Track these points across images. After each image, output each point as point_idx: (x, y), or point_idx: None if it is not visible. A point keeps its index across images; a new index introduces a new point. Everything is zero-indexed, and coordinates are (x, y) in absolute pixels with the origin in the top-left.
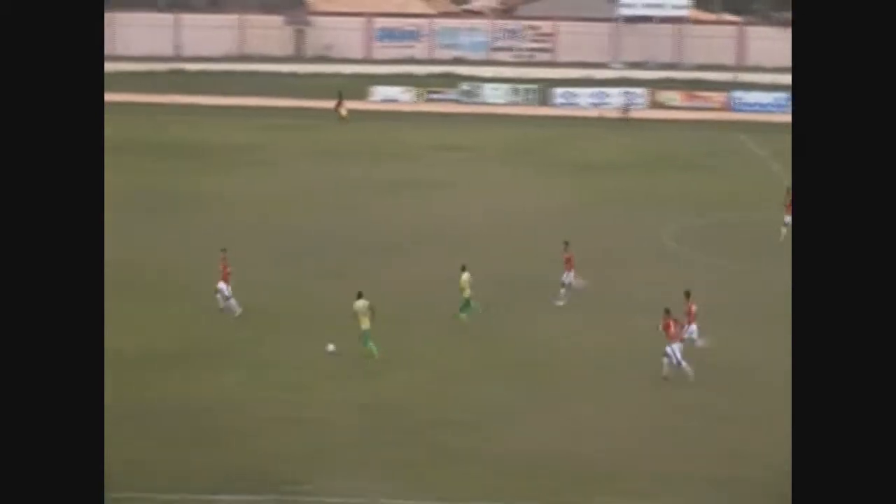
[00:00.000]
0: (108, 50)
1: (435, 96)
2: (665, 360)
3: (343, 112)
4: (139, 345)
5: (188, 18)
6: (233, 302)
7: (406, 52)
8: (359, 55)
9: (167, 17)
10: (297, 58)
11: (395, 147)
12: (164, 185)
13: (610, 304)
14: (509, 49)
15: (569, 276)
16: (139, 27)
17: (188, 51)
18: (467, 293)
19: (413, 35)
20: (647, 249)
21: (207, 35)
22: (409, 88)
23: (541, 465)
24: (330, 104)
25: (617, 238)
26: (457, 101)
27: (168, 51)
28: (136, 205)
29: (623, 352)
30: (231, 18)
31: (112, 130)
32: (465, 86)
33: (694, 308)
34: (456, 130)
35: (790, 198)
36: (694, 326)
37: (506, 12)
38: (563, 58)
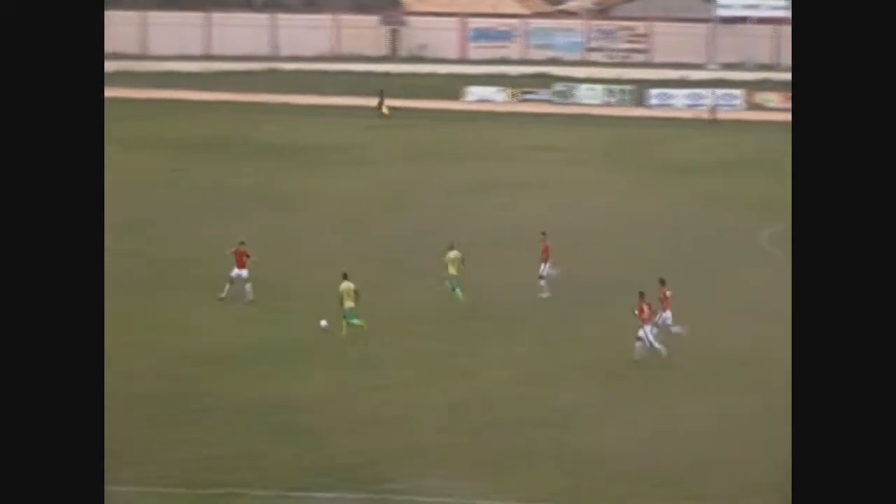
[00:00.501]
0: (205, 50)
1: (528, 97)
2: (637, 343)
3: (385, 110)
4: (233, 343)
5: (284, 18)
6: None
7: (500, 53)
8: (453, 55)
9: (263, 18)
10: (392, 57)
11: (489, 147)
12: (257, 183)
13: (704, 307)
14: (604, 50)
15: (545, 268)
16: (236, 27)
17: (284, 50)
18: (452, 271)
19: (507, 35)
20: (744, 252)
21: (303, 35)
22: (503, 89)
23: (621, 467)
24: (425, 104)
25: (712, 240)
26: (550, 102)
27: (264, 50)
28: (230, 202)
29: (713, 356)
30: (326, 18)
31: (208, 128)
32: (558, 86)
33: (668, 293)
34: (549, 131)
35: None
36: (668, 313)
37: (601, 13)
38: (658, 59)
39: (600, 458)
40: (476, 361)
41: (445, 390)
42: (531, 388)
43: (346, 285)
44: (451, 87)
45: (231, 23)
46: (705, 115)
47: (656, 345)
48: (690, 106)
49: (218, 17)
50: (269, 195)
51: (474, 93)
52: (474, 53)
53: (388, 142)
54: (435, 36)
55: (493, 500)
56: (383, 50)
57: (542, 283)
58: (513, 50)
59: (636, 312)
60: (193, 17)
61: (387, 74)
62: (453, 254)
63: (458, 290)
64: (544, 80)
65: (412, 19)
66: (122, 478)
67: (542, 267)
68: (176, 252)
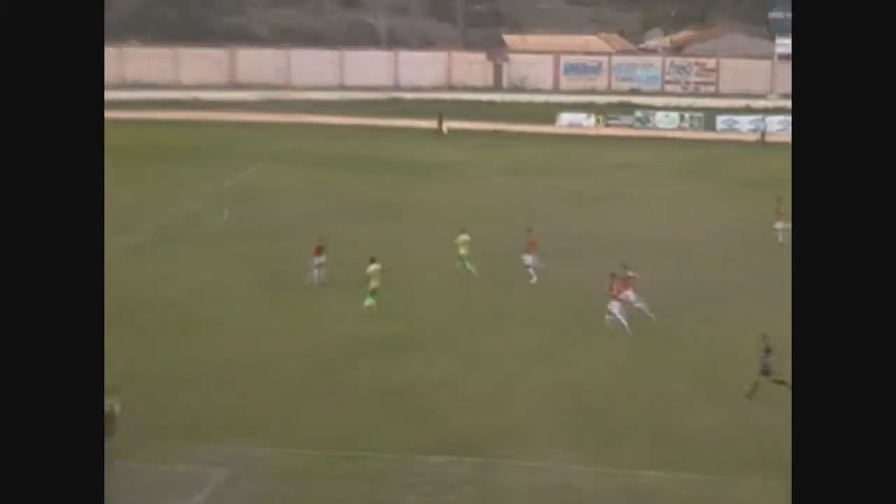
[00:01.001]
0: (339, 81)
1: (613, 122)
2: (607, 317)
3: (445, 130)
4: (368, 332)
5: (405, 55)
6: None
7: (589, 84)
8: (548, 86)
9: (388, 54)
10: (496, 88)
11: (579, 165)
12: (383, 194)
13: (779, 306)
14: (678, 82)
15: (528, 258)
16: (365, 62)
17: (404, 82)
18: (462, 252)
19: (595, 69)
20: None
21: (421, 69)
22: (591, 115)
23: (704, 442)
24: (524, 128)
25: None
26: (632, 127)
27: (388, 82)
28: (361, 210)
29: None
30: (441, 55)
31: (341, 147)
32: (639, 113)
33: (631, 274)
34: (631, 151)
35: (781, 206)
36: (629, 292)
37: (676, 50)
38: (725, 89)
39: (689, 438)
40: (574, 353)
41: (546, 378)
42: (624, 378)
43: (373, 268)
44: (547, 113)
45: (361, 58)
46: (756, 138)
47: (622, 319)
48: (753, 130)
49: (350, 54)
50: (392, 204)
51: (566, 118)
52: (566, 85)
53: (493, 160)
54: (533, 70)
55: (590, 466)
56: (489, 82)
57: (530, 270)
58: (600, 82)
59: (607, 290)
60: (329, 54)
61: (492, 103)
62: (463, 237)
63: (468, 265)
64: (627, 108)
65: (514, 56)
66: (266, 442)
67: (525, 257)
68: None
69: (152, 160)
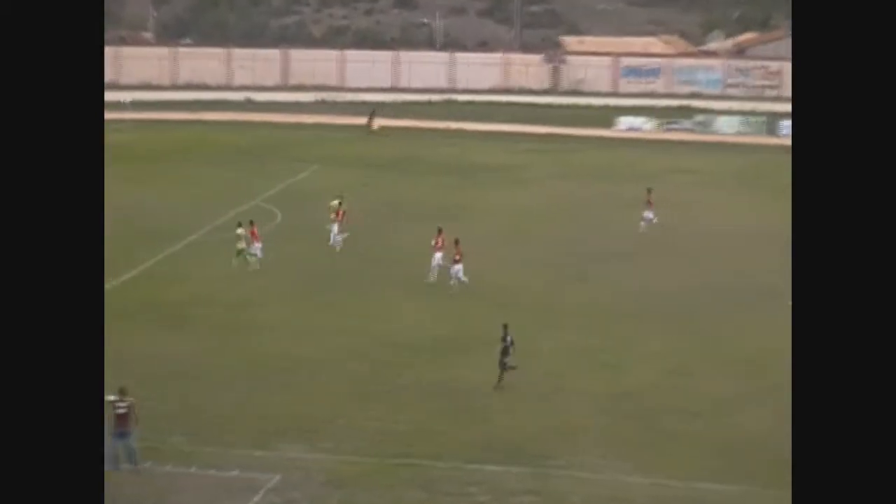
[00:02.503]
0: (393, 83)
1: (672, 126)
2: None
3: (375, 126)
4: (424, 333)
5: (461, 57)
6: (259, 257)
7: (648, 88)
8: (606, 89)
9: (443, 56)
10: (553, 91)
11: (636, 169)
12: (436, 196)
13: None
14: (740, 85)
15: (437, 259)
16: (419, 64)
17: (460, 84)
18: (240, 245)
19: (655, 72)
20: None
21: (476, 71)
22: (650, 119)
23: (757, 450)
24: (581, 132)
25: None
26: (692, 131)
27: (443, 84)
28: (414, 212)
29: None
30: (497, 57)
31: (395, 150)
32: (699, 117)
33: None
34: (691, 156)
35: (650, 196)
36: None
37: (738, 53)
38: (789, 93)
39: (744, 445)
40: (628, 355)
41: (600, 379)
42: (678, 380)
43: (241, 231)
44: (604, 116)
45: (415, 60)
46: None
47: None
48: None
49: (405, 55)
50: (445, 207)
51: (624, 122)
52: (625, 88)
53: (548, 163)
54: (591, 72)
55: (646, 477)
56: (546, 84)
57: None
58: (659, 85)
59: (432, 244)
60: (384, 55)
61: (548, 106)
62: (240, 230)
63: (246, 256)
64: (687, 112)
65: (572, 58)
66: (320, 447)
67: (435, 257)
68: (375, 253)
69: (206, 162)
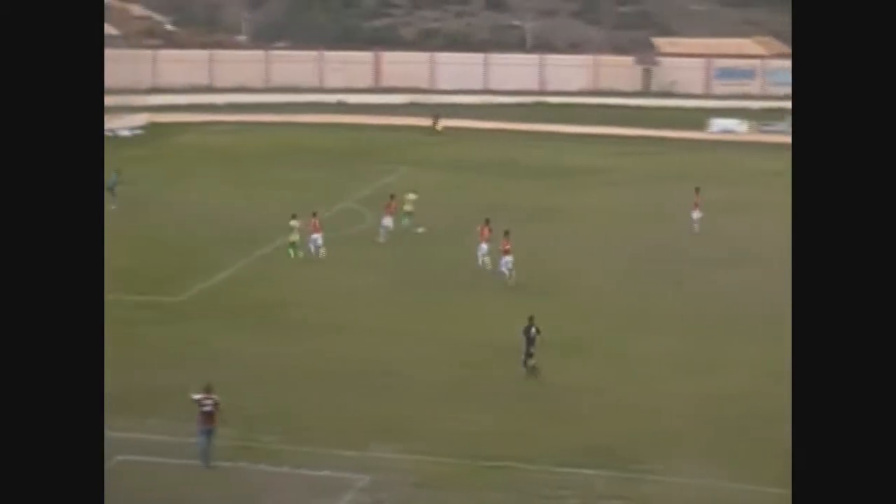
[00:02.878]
0: (484, 85)
1: (767, 128)
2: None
3: (439, 127)
4: (516, 335)
5: (551, 58)
6: (322, 251)
7: (742, 89)
8: (699, 91)
9: (534, 58)
10: (645, 93)
11: (730, 172)
12: (526, 198)
13: None
14: None
15: (484, 249)
16: (510, 66)
17: (550, 86)
18: (293, 237)
19: (749, 74)
20: None
21: (567, 72)
22: (744, 121)
23: None
24: (673, 134)
25: None
26: (787, 133)
27: (534, 86)
28: (504, 214)
29: None
30: (588, 58)
31: (486, 152)
32: None
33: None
34: (785, 159)
35: (698, 197)
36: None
37: None
38: None
39: None
40: (723, 360)
41: (694, 384)
42: (774, 386)
43: (294, 223)
44: (697, 118)
45: (506, 62)
46: None
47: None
48: None
49: (495, 56)
50: (536, 209)
51: (718, 124)
52: (718, 89)
53: (640, 166)
54: (683, 74)
55: (742, 483)
56: (637, 86)
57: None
58: (754, 86)
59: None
60: (474, 57)
61: (640, 108)
62: (294, 222)
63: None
64: (782, 114)
65: (664, 59)
66: (411, 448)
67: (480, 247)
68: (466, 255)
69: (298, 164)
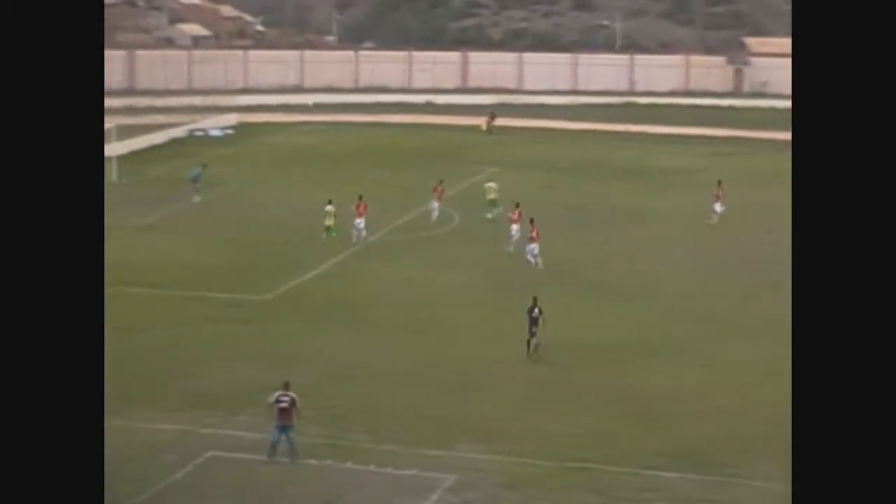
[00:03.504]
0: (572, 85)
1: None
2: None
3: (488, 128)
4: (604, 336)
5: (640, 59)
6: (364, 233)
7: None
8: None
9: (623, 58)
10: (736, 93)
11: None
12: (615, 199)
13: None
14: None
15: (513, 230)
16: (598, 66)
17: (640, 86)
18: (328, 222)
19: None
20: None
21: (657, 73)
22: None
23: None
24: (765, 135)
25: None
26: None
27: (622, 86)
28: (592, 215)
29: None
30: (678, 59)
31: (574, 152)
32: None
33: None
34: None
35: (720, 189)
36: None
37: None
38: None
39: None
40: None
41: (782, 388)
42: None
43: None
44: (789, 120)
45: (594, 63)
46: None
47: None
48: None
49: (583, 57)
50: (626, 210)
51: None
52: None
53: (731, 167)
54: (775, 74)
55: None
56: (728, 86)
57: (514, 239)
58: None
59: (510, 216)
60: (562, 58)
61: (731, 108)
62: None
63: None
64: None
65: (755, 59)
66: (497, 448)
67: (512, 229)
68: (556, 256)
69: (386, 164)
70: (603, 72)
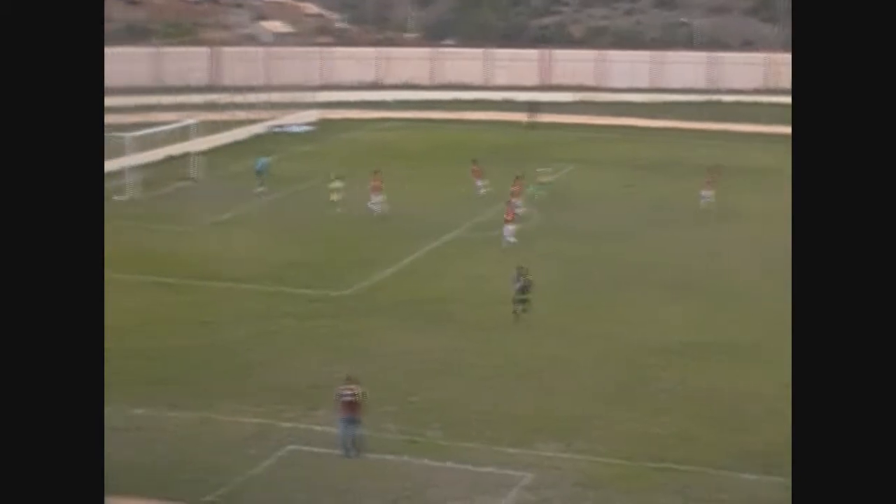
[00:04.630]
0: (653, 83)
1: None
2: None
3: (530, 121)
4: (686, 338)
5: (723, 56)
6: (378, 208)
7: None
8: None
9: (703, 56)
10: None
11: None
12: (693, 198)
13: None
14: None
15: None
16: (680, 64)
17: (723, 83)
18: (334, 197)
19: None
20: None
21: (739, 71)
22: None
23: None
24: None
25: None
26: None
27: (705, 84)
28: (673, 215)
29: None
30: (761, 56)
31: (655, 151)
32: None
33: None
34: None
35: (710, 176)
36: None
37: None
38: None
39: None
40: None
41: None
42: None
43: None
44: None
45: (676, 60)
46: None
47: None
48: None
49: (665, 54)
50: (706, 210)
51: None
52: None
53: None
54: None
55: None
56: None
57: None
58: None
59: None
60: (643, 55)
61: None
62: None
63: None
64: None
65: None
66: (575, 447)
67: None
68: (636, 255)
69: (466, 160)
70: (684, 69)
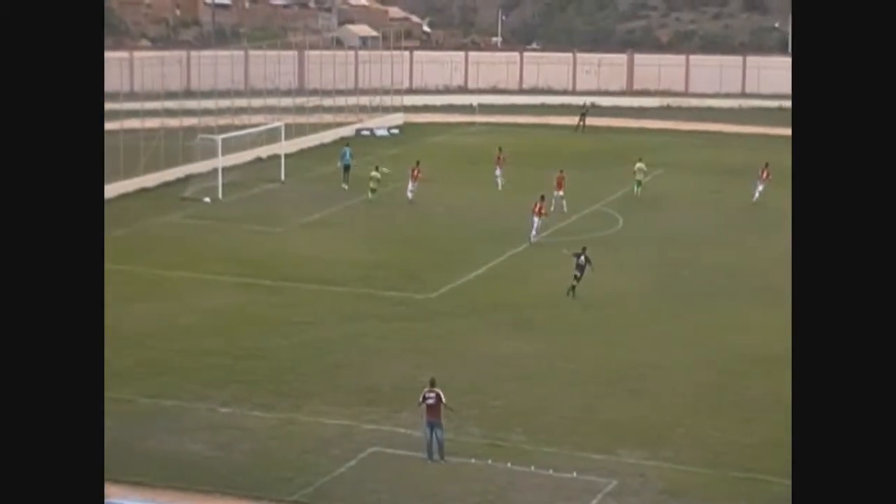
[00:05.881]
0: (741, 88)
1: None
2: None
3: (582, 124)
4: (776, 344)
5: None
6: (410, 195)
7: None
8: None
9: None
10: None
11: None
12: (782, 204)
13: None
14: None
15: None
16: (769, 69)
17: None
18: (373, 185)
19: None
20: None
21: None
22: None
23: None
24: None
25: None
26: None
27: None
28: (763, 220)
29: None
30: None
31: (741, 156)
32: None
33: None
34: None
35: (765, 171)
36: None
37: None
38: None
39: None
40: None
41: None
42: None
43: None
44: None
45: (765, 65)
46: None
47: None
48: None
49: (753, 59)
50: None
51: None
52: None
53: None
54: None
55: None
56: None
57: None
58: None
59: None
60: (732, 60)
61: None
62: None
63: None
64: None
65: None
66: (660, 455)
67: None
68: (729, 261)
69: (550, 165)
70: (774, 75)
